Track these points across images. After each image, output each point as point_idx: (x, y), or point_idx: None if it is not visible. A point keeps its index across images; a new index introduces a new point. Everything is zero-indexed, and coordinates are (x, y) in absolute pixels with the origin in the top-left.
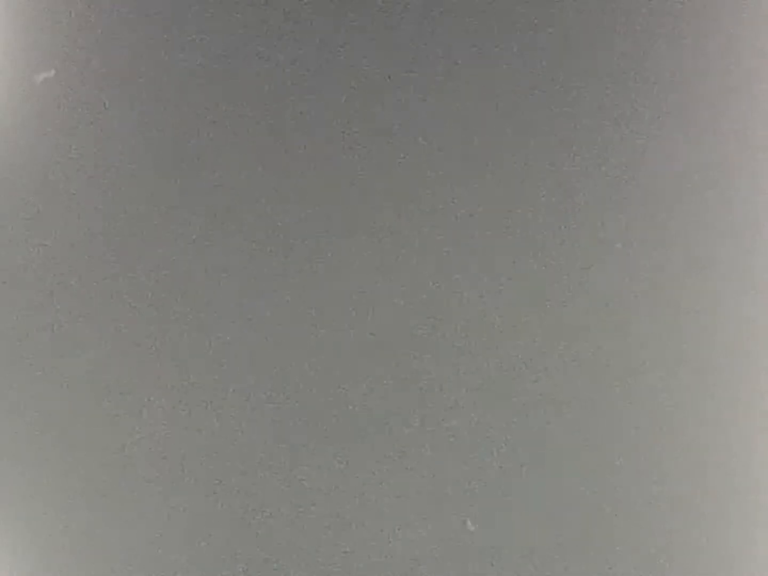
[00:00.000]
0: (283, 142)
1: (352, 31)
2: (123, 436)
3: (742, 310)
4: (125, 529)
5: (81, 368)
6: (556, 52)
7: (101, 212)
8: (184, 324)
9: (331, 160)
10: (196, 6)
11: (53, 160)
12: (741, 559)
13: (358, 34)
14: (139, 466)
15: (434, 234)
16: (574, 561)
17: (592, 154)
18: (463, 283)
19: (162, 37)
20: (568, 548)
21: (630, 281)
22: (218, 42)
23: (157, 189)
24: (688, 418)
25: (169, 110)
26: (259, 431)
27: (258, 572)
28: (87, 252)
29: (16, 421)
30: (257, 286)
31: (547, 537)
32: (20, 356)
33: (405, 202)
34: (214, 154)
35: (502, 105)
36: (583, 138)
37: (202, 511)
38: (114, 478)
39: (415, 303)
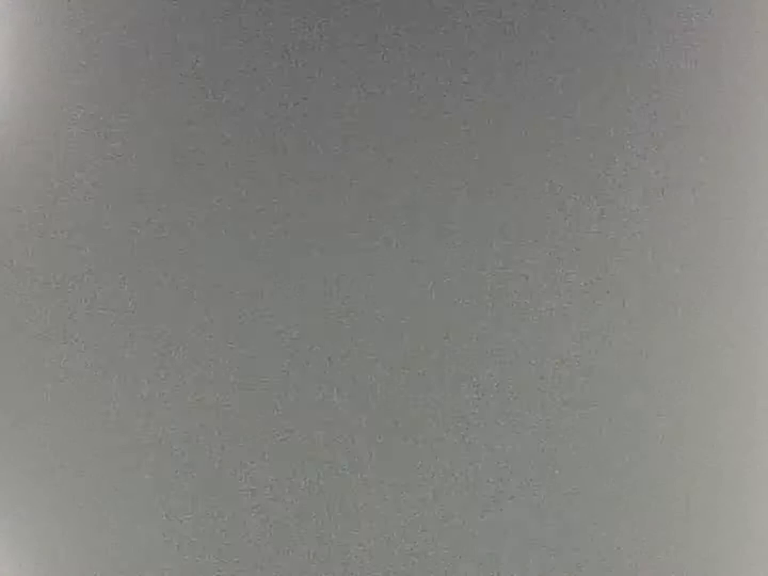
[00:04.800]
0: (285, 146)
1: (354, 33)
2: (123, 436)
3: (746, 315)
4: (125, 529)
5: (82, 369)
6: (559, 56)
7: (102, 213)
8: (186, 324)
9: (334, 166)
10: (198, 8)
11: (56, 162)
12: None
13: (360, 36)
14: (138, 467)
15: (438, 240)
16: (575, 561)
17: (595, 162)
18: (468, 288)
19: (164, 38)
20: (570, 548)
21: (636, 287)
22: (221, 44)
23: (159, 190)
24: (693, 419)
25: (170, 112)
26: (258, 433)
27: (256, 571)
28: (87, 253)
29: (18, 422)
30: (258, 291)
31: (549, 537)
32: (22, 357)
33: (408, 206)
34: (216, 156)
35: (504, 106)
36: (587, 143)
37: (202, 513)
38: (114, 478)
39: (416, 303)
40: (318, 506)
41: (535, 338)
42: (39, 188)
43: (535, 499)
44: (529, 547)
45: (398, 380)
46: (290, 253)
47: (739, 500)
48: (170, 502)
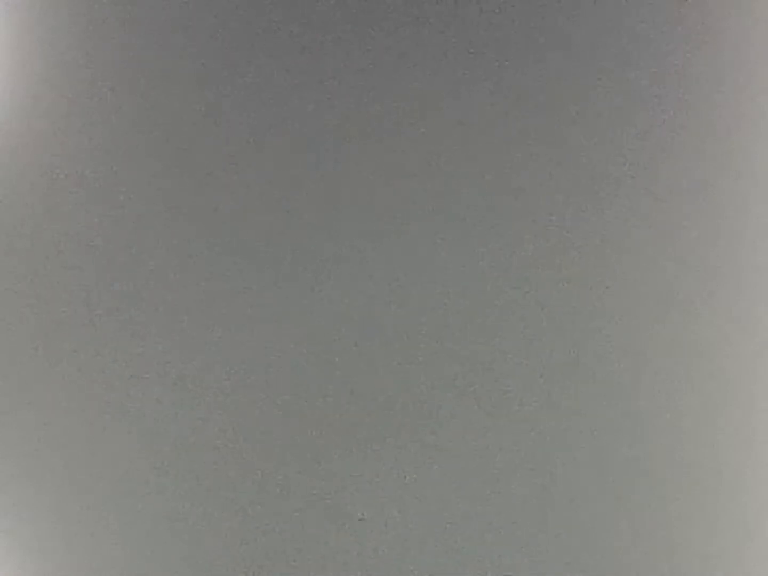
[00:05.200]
0: (284, 145)
1: (354, 33)
2: (123, 437)
3: (746, 315)
4: (125, 530)
5: (82, 369)
6: (559, 55)
7: (102, 212)
8: (187, 325)
9: (333, 164)
10: (198, 8)
11: (55, 162)
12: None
13: (361, 36)
14: (138, 468)
15: (437, 240)
16: (574, 560)
17: (594, 160)
18: (465, 288)
19: (164, 38)
20: (569, 547)
21: (636, 286)
22: (222, 44)
23: (160, 189)
24: (691, 420)
25: (171, 111)
26: (258, 433)
27: (256, 571)
28: (87, 253)
29: (18, 422)
30: (257, 290)
31: (548, 536)
32: (21, 357)
33: (408, 204)
34: (216, 155)
35: (503, 106)
36: (588, 143)
37: (204, 512)
38: (115, 479)
39: (416, 305)
40: (318, 506)
41: (534, 337)
42: (39, 188)
43: (534, 499)
44: (529, 545)
45: (399, 379)
46: (290, 252)
47: (738, 500)
48: (171, 502)
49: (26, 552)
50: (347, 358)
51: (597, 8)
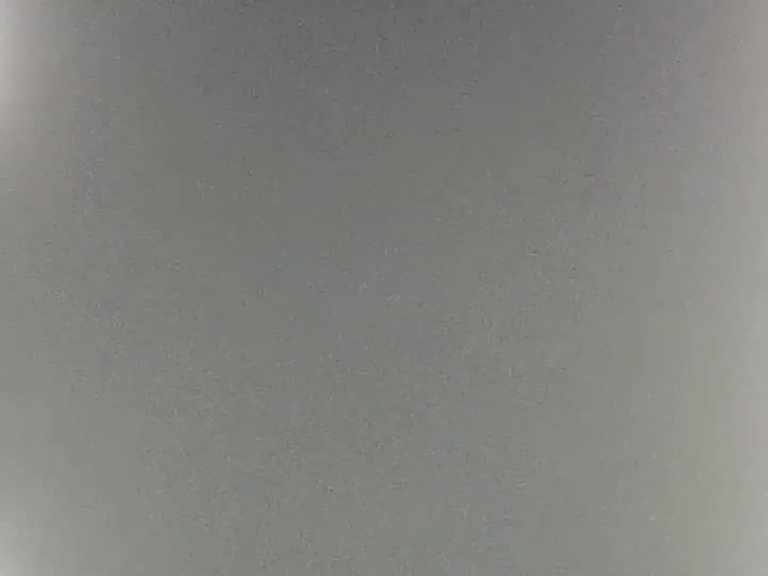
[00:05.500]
0: (285, 147)
1: (356, 32)
2: (125, 436)
3: (745, 315)
4: (125, 529)
5: (81, 368)
6: (558, 55)
7: (102, 213)
8: (189, 325)
9: (334, 164)
10: (199, 8)
11: (55, 162)
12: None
13: (362, 35)
14: (141, 468)
15: (436, 242)
16: (573, 559)
17: (593, 160)
18: (466, 288)
19: (165, 38)
20: (565, 549)
21: (636, 285)
22: (222, 44)
23: (160, 190)
24: (692, 420)
25: (172, 111)
26: (259, 433)
27: (256, 571)
28: (86, 253)
29: (18, 422)
30: (256, 293)
31: (547, 535)
32: (21, 357)
33: (408, 206)
34: (217, 156)
35: (503, 106)
36: (587, 143)
37: (204, 512)
38: (116, 479)
39: (414, 309)
40: (316, 505)
41: (533, 338)
42: (38, 188)
43: (533, 499)
44: (528, 545)
45: (400, 380)
46: (291, 253)
47: (738, 500)
48: (172, 502)
49: (26, 552)
50: (348, 358)
51: (597, 8)
